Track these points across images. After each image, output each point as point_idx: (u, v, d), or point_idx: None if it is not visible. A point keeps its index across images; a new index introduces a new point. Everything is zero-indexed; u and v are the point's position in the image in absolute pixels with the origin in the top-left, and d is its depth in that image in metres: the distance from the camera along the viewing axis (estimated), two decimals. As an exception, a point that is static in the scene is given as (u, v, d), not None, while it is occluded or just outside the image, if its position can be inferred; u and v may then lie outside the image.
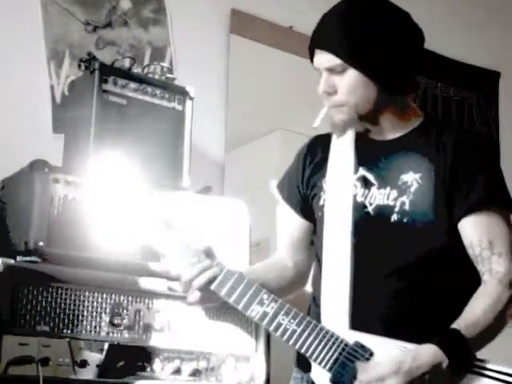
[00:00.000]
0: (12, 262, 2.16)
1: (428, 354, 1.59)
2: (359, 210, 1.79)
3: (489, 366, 1.62)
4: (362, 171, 1.82)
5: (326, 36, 1.76)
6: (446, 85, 4.34)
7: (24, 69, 3.05)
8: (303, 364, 1.78)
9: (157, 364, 2.32)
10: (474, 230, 1.73)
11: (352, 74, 1.74)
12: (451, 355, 1.59)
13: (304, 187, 1.93)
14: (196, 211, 2.56)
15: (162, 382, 2.32)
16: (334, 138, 1.91)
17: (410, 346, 1.63)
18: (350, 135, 1.87)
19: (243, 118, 3.54)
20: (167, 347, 2.36)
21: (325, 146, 1.91)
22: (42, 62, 3.11)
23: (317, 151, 1.93)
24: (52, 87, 3.11)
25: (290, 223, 2.00)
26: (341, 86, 1.76)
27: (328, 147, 1.91)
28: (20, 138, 2.93)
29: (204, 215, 2.58)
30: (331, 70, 1.76)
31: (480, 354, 1.66)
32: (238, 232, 2.64)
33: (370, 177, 1.81)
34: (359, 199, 1.80)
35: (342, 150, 1.87)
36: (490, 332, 1.66)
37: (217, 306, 1.86)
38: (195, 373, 2.39)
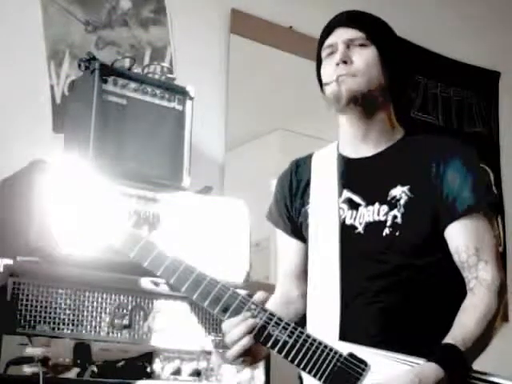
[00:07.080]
0: (12, 262, 2.16)
1: (430, 373, 1.56)
2: (349, 233, 1.78)
3: (490, 378, 1.61)
4: (347, 193, 1.82)
5: (350, 16, 1.87)
6: (446, 85, 4.33)
7: (24, 69, 3.04)
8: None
9: (157, 364, 2.32)
10: (460, 235, 1.72)
11: (371, 51, 1.82)
12: (451, 372, 1.57)
13: (295, 214, 1.93)
14: (196, 211, 2.56)
15: (162, 382, 2.32)
16: (314, 161, 1.92)
17: (401, 357, 1.62)
18: (331, 157, 1.87)
19: (243, 118, 3.54)
20: (167, 347, 2.36)
21: (307, 170, 1.92)
22: (42, 62, 3.11)
23: (301, 176, 1.93)
24: (52, 87, 3.11)
25: (290, 251, 1.97)
26: (358, 59, 1.81)
27: (310, 171, 1.91)
28: (20, 138, 2.92)
29: (204, 215, 2.58)
30: (350, 44, 1.82)
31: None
32: (237, 232, 2.64)
33: (356, 198, 1.81)
34: (348, 222, 1.79)
35: (324, 173, 1.87)
36: (483, 343, 1.65)
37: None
38: (195, 373, 2.39)
